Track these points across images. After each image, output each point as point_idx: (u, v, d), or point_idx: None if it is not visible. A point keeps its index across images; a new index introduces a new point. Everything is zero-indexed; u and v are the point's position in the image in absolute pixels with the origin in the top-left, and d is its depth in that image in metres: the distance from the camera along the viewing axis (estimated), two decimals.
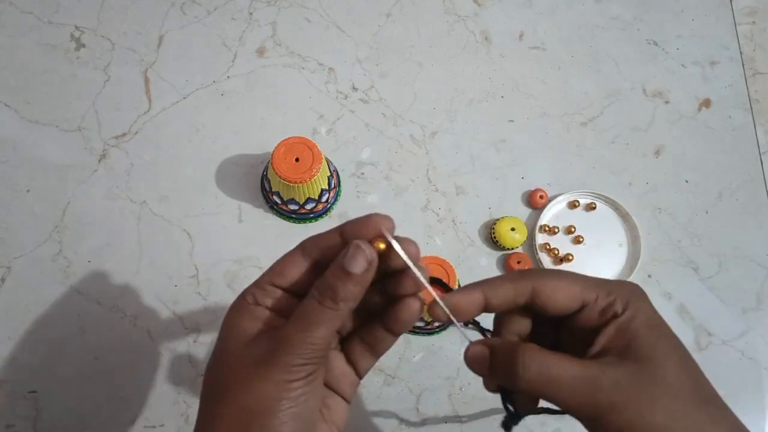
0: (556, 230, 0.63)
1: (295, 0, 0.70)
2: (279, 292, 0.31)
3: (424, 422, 0.57)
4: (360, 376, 0.34)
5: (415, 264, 0.30)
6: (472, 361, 0.32)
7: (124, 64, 0.66)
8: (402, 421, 0.57)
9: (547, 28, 0.71)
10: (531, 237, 0.63)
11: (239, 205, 0.62)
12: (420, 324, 0.57)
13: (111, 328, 0.58)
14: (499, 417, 0.58)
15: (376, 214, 0.30)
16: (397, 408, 0.57)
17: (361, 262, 0.29)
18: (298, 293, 0.31)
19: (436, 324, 0.57)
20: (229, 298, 0.59)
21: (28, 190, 0.62)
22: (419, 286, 0.31)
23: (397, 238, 0.30)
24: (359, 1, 0.71)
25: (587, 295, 0.31)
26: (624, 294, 0.31)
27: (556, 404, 0.30)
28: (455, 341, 0.59)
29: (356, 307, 0.31)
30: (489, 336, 0.35)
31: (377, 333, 0.33)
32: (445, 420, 0.57)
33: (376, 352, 0.33)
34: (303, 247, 0.32)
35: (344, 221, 0.31)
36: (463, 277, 0.61)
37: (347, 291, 0.29)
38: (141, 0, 0.68)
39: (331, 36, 0.69)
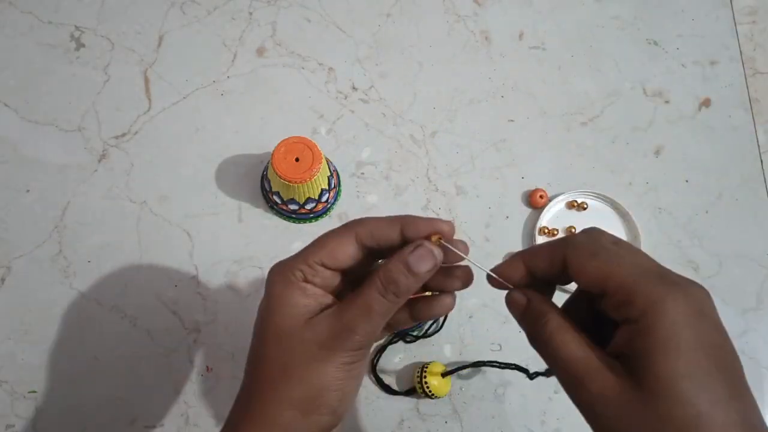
0: (556, 233, 0.63)
1: (295, 0, 0.70)
2: (328, 272, 0.33)
3: (424, 422, 0.57)
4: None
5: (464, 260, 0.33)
6: (509, 304, 0.33)
7: (123, 64, 0.66)
8: (402, 421, 0.57)
9: (547, 28, 0.71)
10: (531, 237, 0.63)
11: (239, 205, 0.62)
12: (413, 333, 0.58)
13: (111, 328, 0.58)
14: (498, 419, 0.58)
15: (439, 220, 0.32)
16: (397, 408, 0.57)
17: (429, 264, 0.30)
18: (345, 273, 0.33)
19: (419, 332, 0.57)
20: (229, 298, 0.59)
21: (28, 190, 0.62)
22: (465, 284, 0.33)
23: (450, 241, 0.32)
24: (359, 1, 0.71)
25: (608, 284, 0.28)
26: (650, 296, 0.27)
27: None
28: (454, 342, 0.59)
29: None
30: None
31: (400, 316, 0.35)
32: (446, 420, 0.57)
33: (391, 330, 0.36)
34: (356, 233, 0.33)
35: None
36: None
37: (409, 287, 0.31)
38: (141, 0, 0.68)
39: (331, 36, 0.69)
